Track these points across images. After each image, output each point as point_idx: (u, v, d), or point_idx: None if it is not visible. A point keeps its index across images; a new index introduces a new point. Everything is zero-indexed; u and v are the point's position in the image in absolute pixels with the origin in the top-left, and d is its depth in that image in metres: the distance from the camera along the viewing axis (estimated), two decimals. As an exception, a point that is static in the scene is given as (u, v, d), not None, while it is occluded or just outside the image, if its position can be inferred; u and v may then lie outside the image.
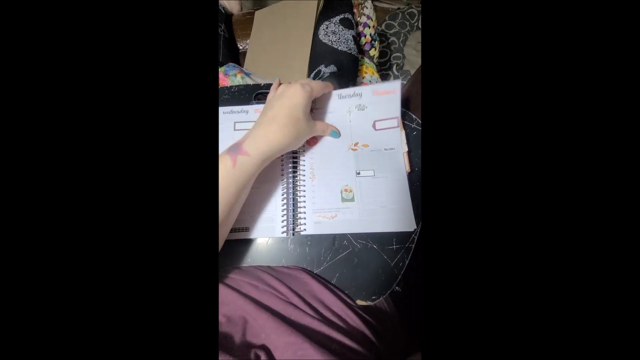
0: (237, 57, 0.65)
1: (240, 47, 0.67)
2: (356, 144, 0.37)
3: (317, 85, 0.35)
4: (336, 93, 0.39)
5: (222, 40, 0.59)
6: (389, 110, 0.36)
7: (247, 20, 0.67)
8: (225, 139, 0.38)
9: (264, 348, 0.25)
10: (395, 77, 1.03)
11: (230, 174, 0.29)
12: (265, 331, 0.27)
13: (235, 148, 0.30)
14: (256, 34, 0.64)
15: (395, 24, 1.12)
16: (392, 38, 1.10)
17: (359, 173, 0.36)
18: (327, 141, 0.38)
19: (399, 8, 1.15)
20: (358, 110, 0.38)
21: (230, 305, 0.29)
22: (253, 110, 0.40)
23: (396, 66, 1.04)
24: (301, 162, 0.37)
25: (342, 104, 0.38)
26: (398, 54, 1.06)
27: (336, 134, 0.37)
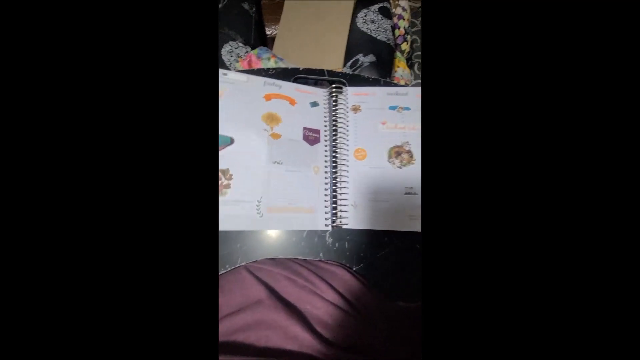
0: (265, 42, 0.63)
1: (269, 32, 0.65)
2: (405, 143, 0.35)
3: None
4: (384, 90, 0.37)
5: (253, 22, 0.56)
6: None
7: (277, 5, 0.64)
8: (254, 109, 0.34)
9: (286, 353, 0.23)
10: (417, 76, 1.02)
11: None
12: (291, 333, 0.25)
13: None
14: (286, 19, 0.61)
15: (418, 23, 1.10)
16: (415, 36, 1.08)
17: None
18: (374, 135, 0.36)
19: (421, 7, 1.13)
20: (404, 109, 0.36)
21: (260, 307, 0.26)
22: (293, 88, 0.37)
23: (418, 65, 1.02)
24: (344, 151, 0.35)
25: (389, 100, 0.37)
26: (419, 53, 1.04)
27: None
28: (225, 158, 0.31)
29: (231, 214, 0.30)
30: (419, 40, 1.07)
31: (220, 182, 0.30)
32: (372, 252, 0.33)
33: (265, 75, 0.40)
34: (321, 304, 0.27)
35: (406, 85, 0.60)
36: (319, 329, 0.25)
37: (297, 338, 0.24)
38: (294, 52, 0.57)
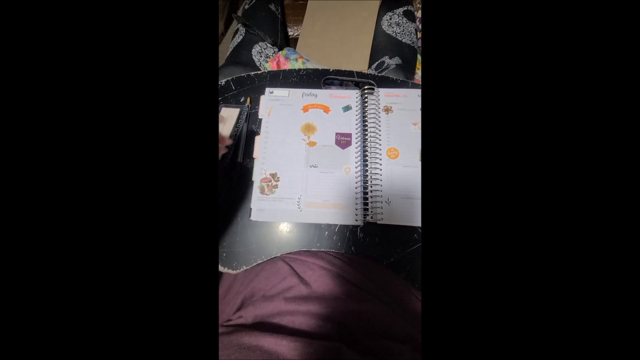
0: (288, 43, 0.64)
1: (291, 33, 0.66)
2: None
3: None
4: (415, 92, 0.39)
5: (279, 23, 0.57)
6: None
7: (300, 6, 0.66)
8: (294, 121, 0.38)
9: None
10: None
11: None
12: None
13: None
14: (309, 20, 0.63)
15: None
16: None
17: None
18: (406, 135, 0.37)
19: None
20: None
21: (292, 293, 0.28)
22: (327, 94, 0.39)
23: (422, 66, 1.03)
24: (376, 151, 0.36)
25: (420, 102, 0.38)
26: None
27: None
28: (275, 164, 0.36)
29: (279, 208, 0.35)
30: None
31: (270, 183, 0.36)
32: (402, 248, 0.34)
33: (295, 77, 0.42)
34: (355, 291, 0.29)
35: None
36: (348, 315, 0.27)
37: (329, 319, 0.25)
38: (317, 53, 0.59)
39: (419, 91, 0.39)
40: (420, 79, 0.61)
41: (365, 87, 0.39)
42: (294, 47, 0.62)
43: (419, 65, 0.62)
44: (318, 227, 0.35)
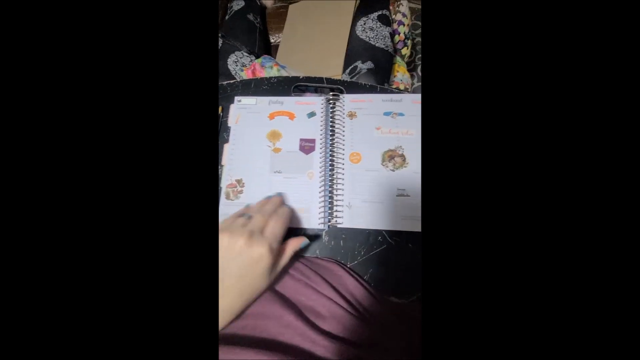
0: (269, 50, 0.66)
1: (272, 40, 0.68)
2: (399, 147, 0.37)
3: (287, 245, 0.30)
4: (380, 97, 0.39)
5: (258, 32, 0.59)
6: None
7: (281, 13, 0.67)
8: (260, 129, 0.39)
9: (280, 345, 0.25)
10: (419, 79, 1.02)
11: None
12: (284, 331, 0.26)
13: None
14: (289, 27, 0.64)
15: (422, 25, 1.10)
16: (418, 39, 1.09)
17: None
18: (369, 140, 0.38)
19: (427, 9, 1.13)
20: (399, 115, 0.38)
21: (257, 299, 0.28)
22: (293, 102, 0.40)
23: (421, 67, 1.03)
24: (340, 155, 0.37)
25: (384, 106, 0.39)
26: (424, 55, 1.05)
27: (305, 242, 0.32)
28: (240, 170, 0.37)
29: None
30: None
31: (235, 189, 0.37)
32: (366, 250, 0.35)
33: (267, 85, 0.43)
34: (315, 297, 0.29)
35: (405, 90, 0.62)
36: (312, 318, 0.27)
37: (290, 326, 0.25)
38: (297, 59, 0.60)
39: (384, 96, 0.39)
40: (399, 82, 0.61)
41: (330, 93, 0.40)
42: (275, 55, 0.64)
43: (398, 69, 0.62)
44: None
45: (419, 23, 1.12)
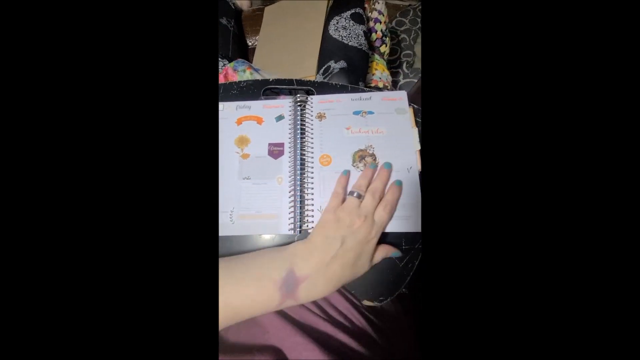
0: (246, 54, 0.65)
1: (250, 44, 0.67)
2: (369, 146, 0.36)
3: (378, 249, 0.30)
4: (348, 96, 0.38)
5: (232, 36, 0.58)
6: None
7: (257, 16, 0.67)
8: (227, 135, 0.38)
9: (270, 349, 0.25)
10: (406, 75, 1.02)
11: (272, 307, 0.26)
12: (270, 330, 0.27)
13: (289, 287, 0.25)
14: (265, 30, 0.63)
15: (406, 21, 1.10)
16: (403, 35, 1.08)
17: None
18: (339, 141, 0.37)
19: (410, 5, 1.13)
20: (368, 113, 0.37)
21: None
22: (261, 105, 0.39)
23: (406, 64, 1.03)
24: (309, 158, 0.36)
25: (353, 106, 0.38)
26: (408, 52, 1.04)
27: (397, 253, 0.32)
28: None
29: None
30: (407, 39, 1.08)
31: None
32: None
33: (236, 89, 0.42)
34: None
35: (385, 88, 0.61)
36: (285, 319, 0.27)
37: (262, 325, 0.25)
38: (273, 62, 0.59)
39: (352, 95, 0.38)
40: (377, 80, 0.61)
41: (298, 95, 0.39)
42: (252, 58, 0.63)
43: (377, 67, 0.62)
44: (256, 238, 0.35)
45: (404, 20, 1.11)
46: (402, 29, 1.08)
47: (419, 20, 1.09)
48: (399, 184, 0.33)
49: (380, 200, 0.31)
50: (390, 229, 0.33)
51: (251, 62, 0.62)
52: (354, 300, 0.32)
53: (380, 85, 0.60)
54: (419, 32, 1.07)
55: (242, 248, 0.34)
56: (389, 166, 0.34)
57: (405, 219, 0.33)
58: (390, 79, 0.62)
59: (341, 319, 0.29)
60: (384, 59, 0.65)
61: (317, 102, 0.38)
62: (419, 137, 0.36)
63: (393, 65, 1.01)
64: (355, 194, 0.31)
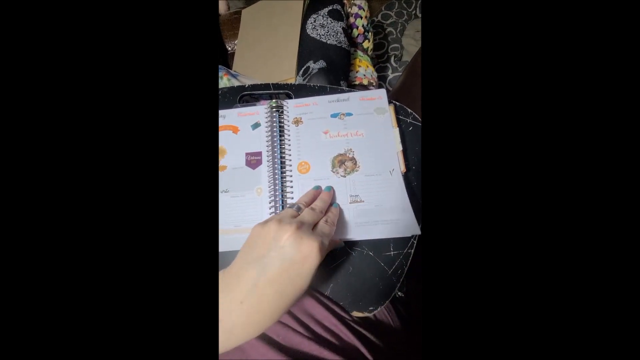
0: (225, 59, 0.64)
1: (229, 48, 0.65)
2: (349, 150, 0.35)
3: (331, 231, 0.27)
4: (325, 98, 0.36)
5: (208, 42, 0.57)
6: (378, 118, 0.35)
7: (235, 19, 0.65)
8: None
9: None
10: (394, 70, 1.00)
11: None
12: (252, 356, 0.25)
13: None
14: (244, 33, 0.62)
15: (392, 14, 1.08)
16: (389, 29, 1.06)
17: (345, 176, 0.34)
18: (317, 147, 0.35)
19: (395, -2, 1.11)
20: (347, 115, 0.36)
21: None
22: (235, 114, 0.38)
23: (394, 57, 1.01)
24: (288, 167, 0.35)
25: (331, 108, 0.36)
26: (396, 45, 1.02)
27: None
28: None
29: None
30: (394, 33, 1.06)
31: None
32: (324, 264, 0.33)
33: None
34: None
35: (370, 85, 0.59)
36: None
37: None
38: (252, 66, 0.57)
39: (329, 97, 0.37)
40: (361, 77, 0.59)
41: (273, 100, 0.37)
42: (232, 63, 0.61)
43: (360, 63, 0.60)
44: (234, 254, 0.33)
45: (389, 13, 1.09)
46: (388, 22, 1.06)
47: (405, 12, 1.06)
48: (328, 189, 0.32)
49: (321, 216, 0.28)
50: (377, 235, 0.32)
51: (231, 67, 0.60)
52: (341, 314, 0.30)
53: (365, 82, 0.58)
54: (406, 24, 1.05)
55: (223, 266, 0.33)
56: (329, 189, 0.32)
57: (394, 223, 0.32)
58: (375, 75, 0.61)
59: (327, 336, 0.28)
60: (367, 54, 0.63)
61: (292, 107, 0.37)
62: (400, 137, 0.34)
63: (381, 60, 0.99)
64: (295, 207, 0.28)
